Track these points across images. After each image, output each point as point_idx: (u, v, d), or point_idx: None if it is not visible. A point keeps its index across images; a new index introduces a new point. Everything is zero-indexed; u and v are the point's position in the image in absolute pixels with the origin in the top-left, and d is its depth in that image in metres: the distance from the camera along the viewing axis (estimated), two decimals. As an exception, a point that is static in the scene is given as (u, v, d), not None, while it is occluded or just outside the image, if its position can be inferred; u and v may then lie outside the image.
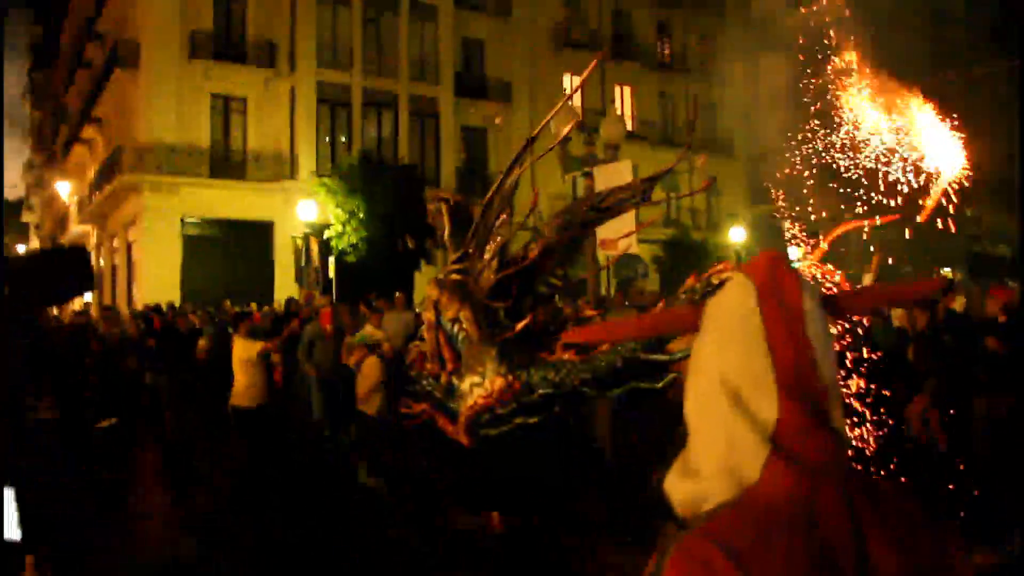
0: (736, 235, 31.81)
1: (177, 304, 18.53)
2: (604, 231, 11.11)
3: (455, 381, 5.98)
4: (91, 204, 30.30)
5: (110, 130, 30.15)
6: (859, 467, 1.15)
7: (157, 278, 23.28)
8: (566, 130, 6.67)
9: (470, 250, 6.10)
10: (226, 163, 25.48)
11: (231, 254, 24.87)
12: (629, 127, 27.58)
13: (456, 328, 5.99)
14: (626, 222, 11.02)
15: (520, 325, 5.88)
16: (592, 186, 11.21)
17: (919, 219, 4.86)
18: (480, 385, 5.67)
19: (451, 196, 7.24)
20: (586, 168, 11.43)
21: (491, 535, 6.90)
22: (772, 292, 1.17)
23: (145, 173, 24.03)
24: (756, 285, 1.18)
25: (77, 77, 34.43)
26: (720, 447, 1.15)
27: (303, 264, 23.91)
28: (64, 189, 33.40)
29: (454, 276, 6.16)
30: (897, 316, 9.79)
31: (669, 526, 1.14)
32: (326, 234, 22.93)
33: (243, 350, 8.97)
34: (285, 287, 23.33)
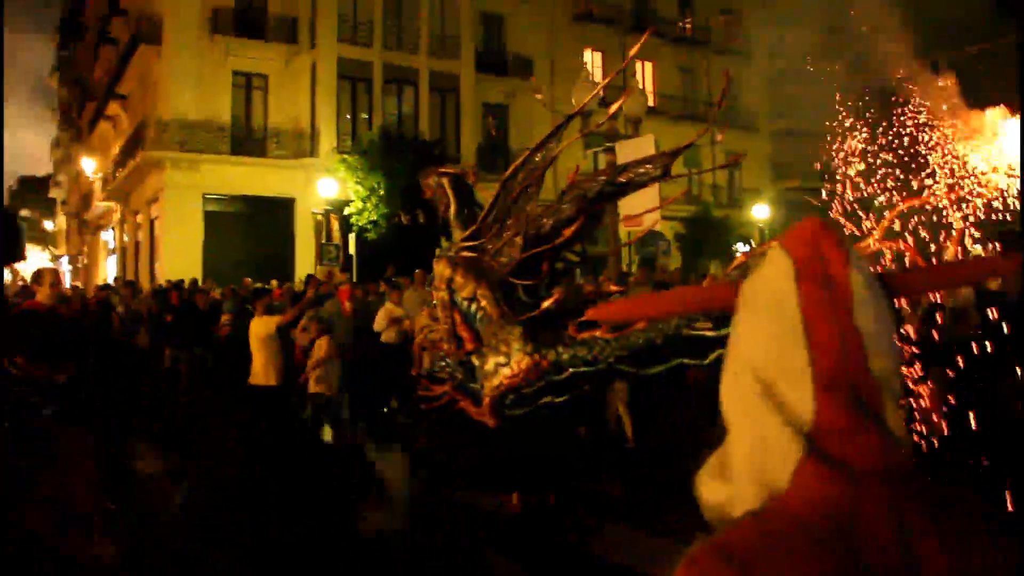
0: (759, 212, 31.54)
1: (200, 281, 18.66)
2: (627, 207, 11.03)
3: (475, 361, 5.90)
4: (115, 180, 30.49)
5: (134, 106, 30.24)
6: (917, 471, 0.99)
7: (179, 254, 23.44)
8: (616, 104, 6.44)
9: (484, 227, 6.01)
10: (247, 140, 25.53)
11: (252, 231, 24.98)
12: (650, 102, 27.36)
13: (473, 307, 5.92)
14: (650, 197, 10.94)
15: (546, 303, 5.77)
16: (614, 161, 11.12)
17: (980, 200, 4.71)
18: (506, 365, 5.62)
19: (454, 170, 7.05)
20: (608, 143, 11.33)
21: (510, 515, 6.88)
22: (813, 269, 1.01)
23: (167, 150, 24.14)
24: (794, 260, 1.02)
25: (102, 53, 34.52)
26: (749, 446, 1.02)
27: (324, 241, 24.04)
28: (89, 165, 33.58)
29: (466, 253, 6.08)
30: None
31: (700, 532, 1.01)
32: (346, 211, 22.96)
33: (261, 326, 9.01)
34: (305, 264, 23.47)
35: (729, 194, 35.65)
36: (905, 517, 0.92)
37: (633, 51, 6.03)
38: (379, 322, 11.17)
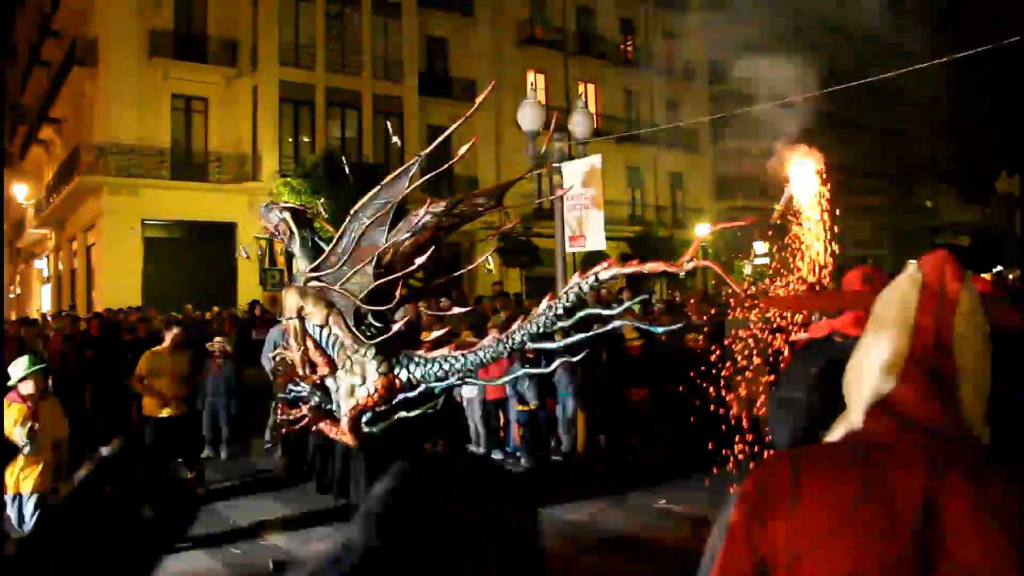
0: (702, 230, 31.92)
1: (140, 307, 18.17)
2: (572, 228, 11.05)
3: (331, 384, 6.26)
4: (48, 207, 29.69)
5: (68, 131, 29.56)
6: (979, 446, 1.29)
7: (117, 282, 22.84)
8: (464, 150, 6.71)
9: (332, 258, 6.42)
10: (187, 164, 25.09)
11: (193, 257, 24.50)
12: (595, 124, 27.58)
13: (325, 333, 6.29)
14: (594, 220, 10.98)
15: (396, 327, 6.20)
16: (561, 182, 11.15)
17: (773, 219, 5.47)
18: (362, 386, 6.00)
19: (292, 205, 7.60)
20: (555, 164, 11.35)
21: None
22: (935, 284, 1.33)
23: (104, 174, 23.60)
24: (923, 275, 1.35)
25: (34, 76, 33.73)
26: (851, 404, 1.37)
27: (267, 266, 23.64)
28: (20, 192, 32.68)
29: (314, 284, 6.51)
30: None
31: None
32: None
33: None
34: (248, 290, 23.04)
35: (672, 214, 36.08)
36: (938, 463, 1.21)
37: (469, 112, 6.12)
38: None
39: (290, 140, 26.43)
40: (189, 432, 8.89)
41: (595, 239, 10.92)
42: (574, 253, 13.21)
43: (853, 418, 1.34)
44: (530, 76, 31.07)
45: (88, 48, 25.12)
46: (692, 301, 12.31)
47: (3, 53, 30.97)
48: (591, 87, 33.49)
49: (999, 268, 24.47)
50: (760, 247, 36.24)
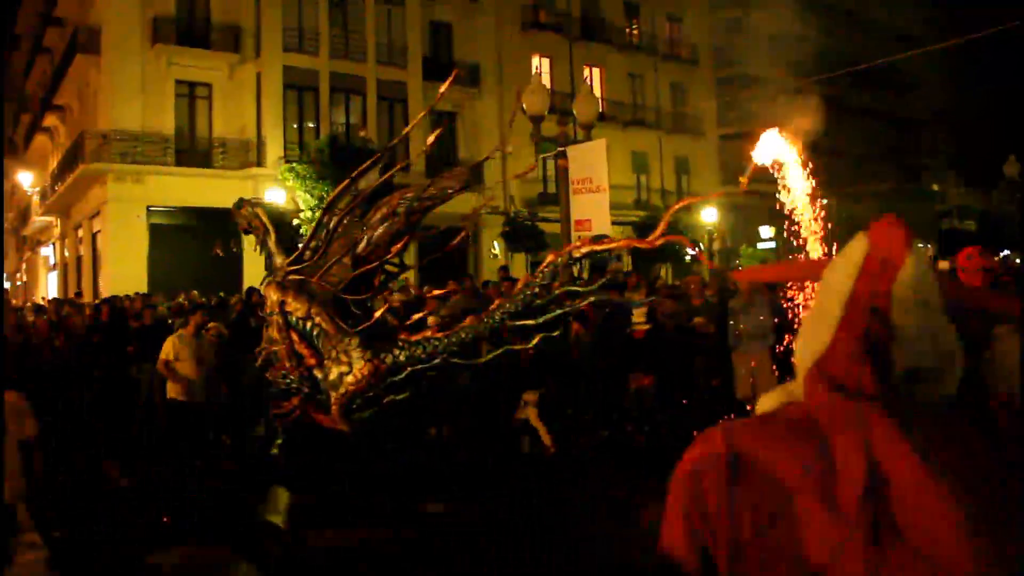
0: (707, 215, 31.79)
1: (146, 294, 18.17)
2: (578, 212, 11.03)
3: (318, 374, 6.36)
4: (54, 195, 29.71)
5: (72, 118, 29.54)
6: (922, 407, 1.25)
7: (123, 268, 22.89)
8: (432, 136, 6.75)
9: (307, 253, 6.49)
10: (192, 150, 25.06)
11: (199, 243, 24.48)
12: (600, 108, 27.45)
13: (309, 325, 6.39)
14: (598, 204, 10.95)
15: (378, 314, 6.30)
16: (566, 166, 11.10)
17: (740, 189, 5.56)
18: (349, 373, 6.10)
19: (265, 202, 7.73)
20: (560, 148, 11.30)
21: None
22: (879, 250, 1.32)
23: (109, 162, 23.57)
24: (869, 242, 1.34)
25: (37, 63, 33.71)
26: (796, 372, 1.36)
27: (272, 252, 23.59)
28: (26, 180, 32.68)
29: (293, 277, 6.59)
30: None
31: None
32: (296, 221, 22.64)
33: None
34: (254, 275, 23.03)
35: (678, 199, 35.94)
36: (874, 427, 1.16)
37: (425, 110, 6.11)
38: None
39: (294, 126, 26.36)
40: (195, 419, 8.87)
41: (600, 224, 10.88)
42: (579, 237, 13.18)
43: (794, 385, 1.34)
44: (535, 60, 30.96)
45: (91, 35, 25.05)
46: (692, 285, 12.24)
47: (5, 41, 31.09)
48: (596, 71, 33.37)
49: (1006, 252, 24.40)
50: (766, 231, 36.18)
